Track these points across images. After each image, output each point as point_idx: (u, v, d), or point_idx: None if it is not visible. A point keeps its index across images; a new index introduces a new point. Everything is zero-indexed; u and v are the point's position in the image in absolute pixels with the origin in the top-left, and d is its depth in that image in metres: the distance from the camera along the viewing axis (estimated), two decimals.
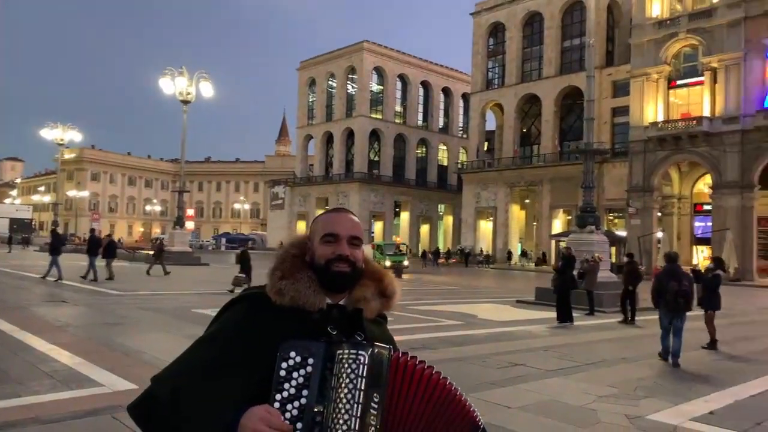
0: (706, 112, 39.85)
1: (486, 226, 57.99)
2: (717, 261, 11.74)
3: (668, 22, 42.30)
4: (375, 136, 70.09)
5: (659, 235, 41.91)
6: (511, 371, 7.94)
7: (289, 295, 1.47)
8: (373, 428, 1.30)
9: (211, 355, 1.42)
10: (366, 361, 1.32)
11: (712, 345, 10.46)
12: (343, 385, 1.30)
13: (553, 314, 13.85)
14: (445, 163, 75.93)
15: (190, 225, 49.55)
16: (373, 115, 69.68)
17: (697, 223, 44.79)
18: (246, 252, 18.94)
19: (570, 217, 51.25)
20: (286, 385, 1.31)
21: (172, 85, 32.49)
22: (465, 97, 73.08)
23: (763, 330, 14.46)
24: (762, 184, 38.53)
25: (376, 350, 1.36)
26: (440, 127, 76.06)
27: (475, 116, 60.25)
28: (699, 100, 41.15)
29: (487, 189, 56.47)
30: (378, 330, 1.58)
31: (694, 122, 39.88)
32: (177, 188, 37.58)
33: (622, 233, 44.44)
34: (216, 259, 42.99)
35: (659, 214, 43.54)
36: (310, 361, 1.33)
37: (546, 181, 51.77)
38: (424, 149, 74.38)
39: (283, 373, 1.32)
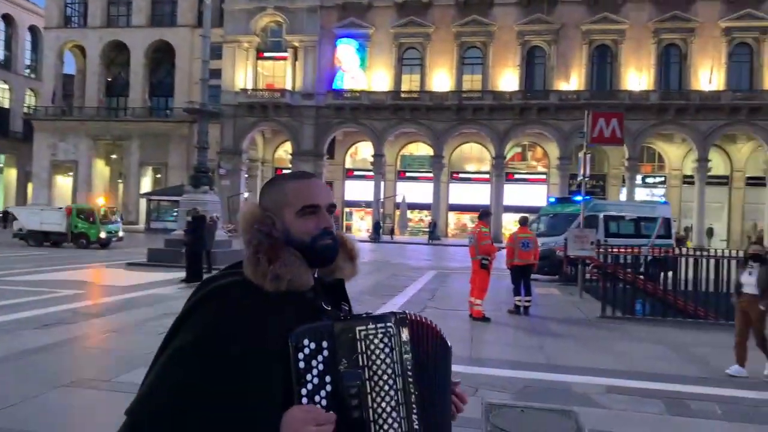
0: (289, 86, 44.45)
1: (65, 183, 51.75)
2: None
3: None
4: None
5: (246, 195, 45.22)
6: None
7: (286, 278, 1.28)
8: (414, 396, 1.28)
9: (205, 370, 1.18)
10: (393, 332, 1.29)
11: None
12: (379, 362, 1.25)
13: (171, 275, 14.11)
14: (7, 106, 63.86)
15: None
16: None
17: None
18: None
19: (159, 176, 50.34)
20: (309, 376, 1.19)
21: None
22: (34, 30, 62.67)
23: None
24: (329, 154, 45.62)
25: (397, 318, 1.32)
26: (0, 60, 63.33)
27: (51, 55, 52.44)
28: (283, 73, 45.52)
29: (66, 140, 50.15)
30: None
31: (278, 94, 44.04)
32: None
33: None
34: None
35: (246, 176, 46.80)
36: (324, 344, 1.22)
37: (135, 136, 49.23)
38: None
39: (302, 365, 1.19)
